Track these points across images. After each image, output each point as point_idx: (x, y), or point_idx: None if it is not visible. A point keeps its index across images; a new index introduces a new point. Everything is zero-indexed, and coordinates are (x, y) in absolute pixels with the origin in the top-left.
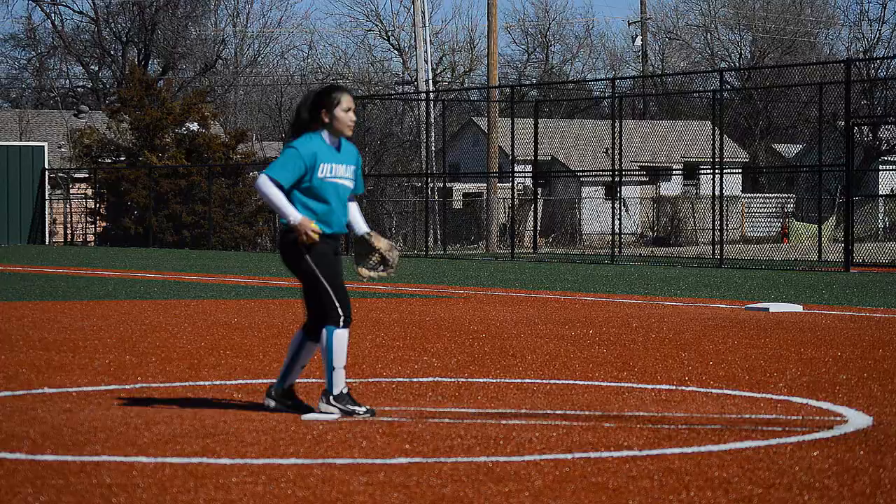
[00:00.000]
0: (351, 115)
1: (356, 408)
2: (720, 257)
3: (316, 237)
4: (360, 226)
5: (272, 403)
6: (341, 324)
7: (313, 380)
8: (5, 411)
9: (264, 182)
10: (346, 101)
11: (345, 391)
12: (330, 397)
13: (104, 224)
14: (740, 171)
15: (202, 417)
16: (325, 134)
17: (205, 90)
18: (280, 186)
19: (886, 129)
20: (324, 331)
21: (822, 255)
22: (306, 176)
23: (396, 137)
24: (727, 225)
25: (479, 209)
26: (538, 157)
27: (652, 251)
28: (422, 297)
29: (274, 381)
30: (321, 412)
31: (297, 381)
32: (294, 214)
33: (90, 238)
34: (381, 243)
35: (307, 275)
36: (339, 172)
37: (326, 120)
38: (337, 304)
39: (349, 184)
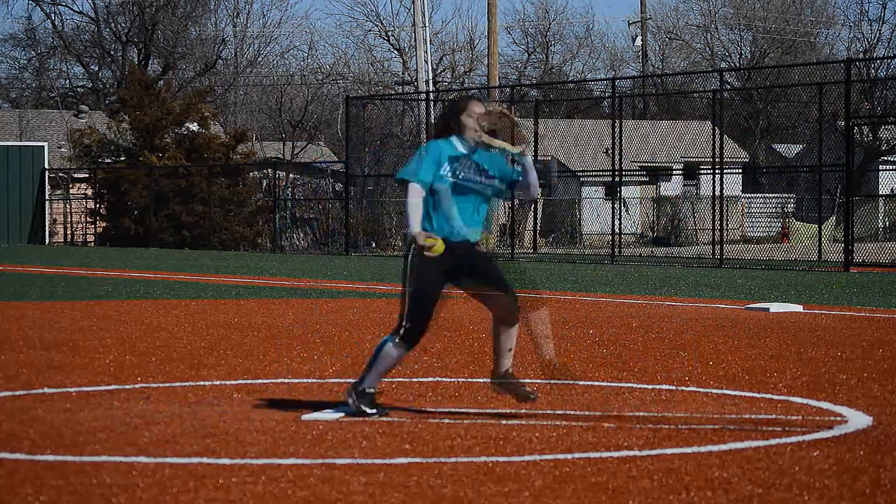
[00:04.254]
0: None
1: (367, 409)
2: (720, 257)
3: (431, 253)
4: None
5: (499, 388)
6: (398, 339)
7: (348, 378)
8: (5, 411)
9: (411, 188)
10: (474, 106)
11: (370, 391)
12: (356, 390)
13: (104, 224)
14: (740, 171)
15: (202, 417)
16: (455, 140)
17: (205, 90)
18: (423, 184)
19: (886, 129)
20: (383, 338)
21: (822, 255)
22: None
23: (396, 137)
24: (727, 225)
25: None
26: (538, 158)
27: (652, 251)
28: None
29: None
30: (330, 411)
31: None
32: (413, 226)
33: (90, 238)
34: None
35: (404, 278)
36: (470, 176)
37: (454, 126)
38: (407, 321)
39: (481, 189)
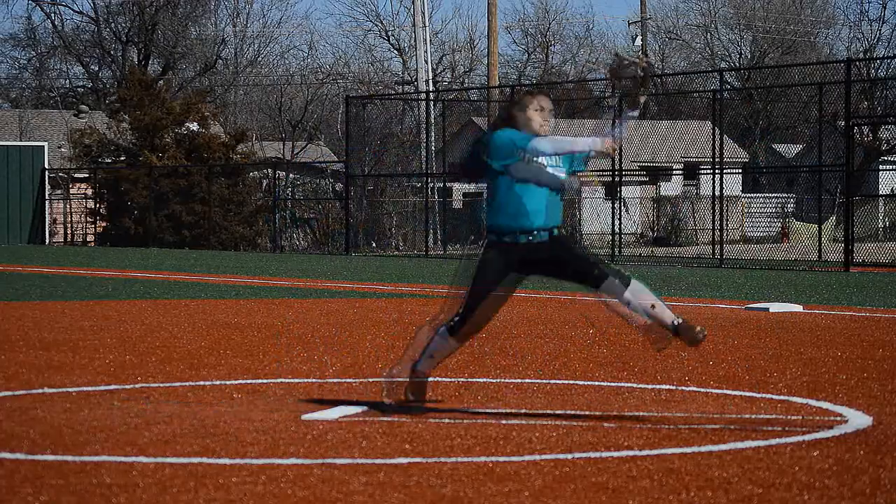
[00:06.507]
0: (543, 115)
1: (408, 396)
2: (720, 257)
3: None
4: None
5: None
6: (448, 329)
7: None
8: (5, 411)
9: (540, 142)
10: (539, 101)
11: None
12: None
13: (104, 224)
14: (740, 171)
15: (202, 417)
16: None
17: (205, 90)
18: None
19: (886, 129)
20: (440, 328)
21: (822, 255)
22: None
23: (396, 137)
24: (727, 225)
25: (479, 209)
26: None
27: (652, 251)
28: (422, 297)
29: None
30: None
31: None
32: (596, 139)
33: (90, 238)
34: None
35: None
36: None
37: (518, 119)
38: (461, 311)
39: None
